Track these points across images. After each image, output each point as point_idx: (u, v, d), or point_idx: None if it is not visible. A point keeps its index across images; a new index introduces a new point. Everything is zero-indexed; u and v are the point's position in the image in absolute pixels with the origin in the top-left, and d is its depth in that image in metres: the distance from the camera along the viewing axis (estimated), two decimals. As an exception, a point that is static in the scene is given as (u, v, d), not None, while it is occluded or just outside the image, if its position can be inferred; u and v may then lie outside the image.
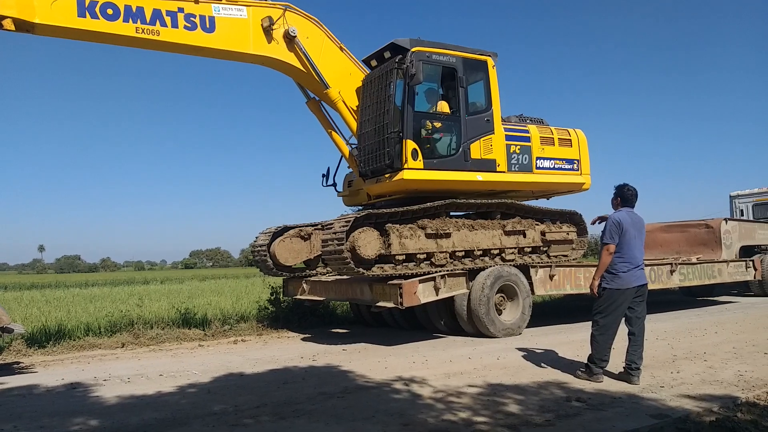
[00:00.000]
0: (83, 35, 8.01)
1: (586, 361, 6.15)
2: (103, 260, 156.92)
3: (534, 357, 7.50)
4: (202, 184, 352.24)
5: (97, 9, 7.82)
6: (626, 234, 5.94)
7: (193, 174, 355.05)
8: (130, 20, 8.03)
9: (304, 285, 10.69)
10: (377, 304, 8.81)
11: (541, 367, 6.84)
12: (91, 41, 8.28)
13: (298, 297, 10.91)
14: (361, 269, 8.40)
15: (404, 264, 8.81)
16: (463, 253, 9.36)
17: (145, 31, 8.13)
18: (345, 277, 9.91)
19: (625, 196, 6.22)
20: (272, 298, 12.15)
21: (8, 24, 7.44)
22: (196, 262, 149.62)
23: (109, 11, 7.90)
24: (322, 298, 10.47)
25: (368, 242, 8.45)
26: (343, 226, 8.34)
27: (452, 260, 9.26)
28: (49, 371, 7.74)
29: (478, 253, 9.50)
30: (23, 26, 7.59)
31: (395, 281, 8.43)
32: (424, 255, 8.95)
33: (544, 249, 10.36)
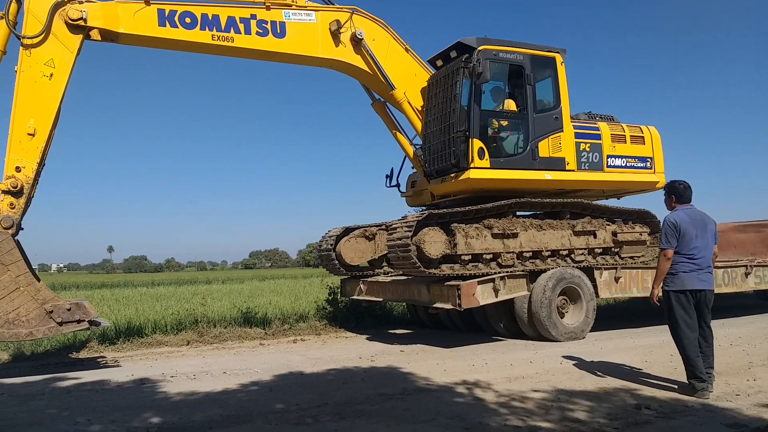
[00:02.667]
0: (163, 43, 8.45)
1: (687, 380, 5.61)
2: (167, 260, 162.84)
3: (599, 362, 7.31)
4: (261, 185, 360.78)
5: (176, 18, 8.24)
6: (686, 234, 5.54)
7: (252, 175, 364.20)
8: (207, 28, 8.41)
9: (362, 285, 10.78)
10: (435, 306, 8.79)
11: (607, 372, 6.63)
12: (170, 49, 8.72)
13: (356, 297, 11.01)
14: (429, 269, 8.42)
15: (472, 264, 8.78)
16: (530, 253, 9.23)
17: (220, 38, 8.48)
18: (402, 277, 10.00)
19: (677, 192, 5.80)
20: (330, 298, 12.33)
21: (95, 34, 7.96)
22: (256, 262, 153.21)
23: (187, 20, 8.30)
24: (379, 299, 10.52)
25: (434, 242, 8.46)
26: (410, 226, 8.39)
27: (519, 261, 9.15)
28: (120, 367, 8.04)
29: (546, 253, 9.35)
30: (108, 36, 8.10)
31: (453, 282, 8.39)
32: (491, 255, 8.89)
33: (616, 250, 10.06)
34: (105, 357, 8.95)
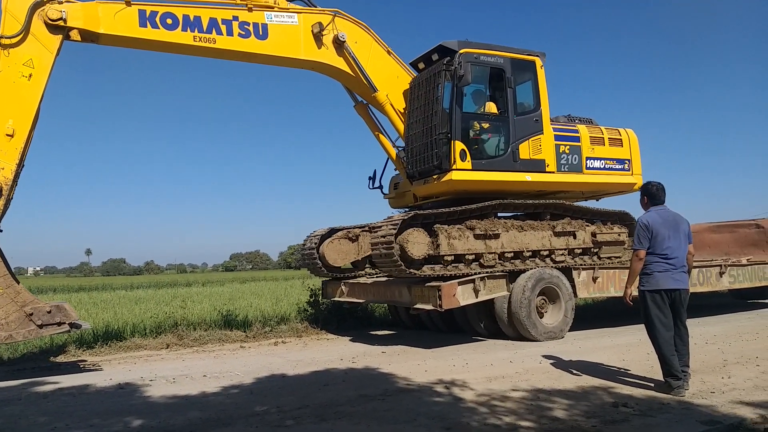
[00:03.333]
0: (144, 44, 8.39)
1: (663, 378, 5.69)
2: (147, 263, 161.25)
3: (577, 361, 7.38)
4: (240, 187, 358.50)
5: (157, 19, 8.20)
6: (658, 235, 5.60)
7: (232, 176, 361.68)
8: (188, 29, 8.38)
9: (343, 287, 10.80)
10: (416, 306, 8.85)
11: (586, 371, 6.70)
12: (151, 50, 8.66)
13: (337, 299, 11.03)
14: (411, 269, 8.48)
15: (453, 265, 8.86)
16: (512, 254, 9.34)
17: (202, 39, 8.46)
18: (384, 279, 10.05)
19: (650, 193, 5.88)
20: (311, 300, 12.32)
21: (75, 35, 7.89)
22: (236, 264, 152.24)
23: (169, 21, 8.26)
24: (360, 300, 10.54)
25: (417, 242, 8.52)
26: (393, 227, 8.45)
27: (501, 261, 9.25)
28: (99, 371, 7.95)
29: (528, 254, 9.46)
30: (89, 37, 8.03)
31: (434, 283, 8.46)
32: (473, 256, 8.98)
33: (595, 250, 10.24)
34: (83, 361, 8.84)
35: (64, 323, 7.26)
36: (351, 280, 10.77)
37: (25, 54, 7.49)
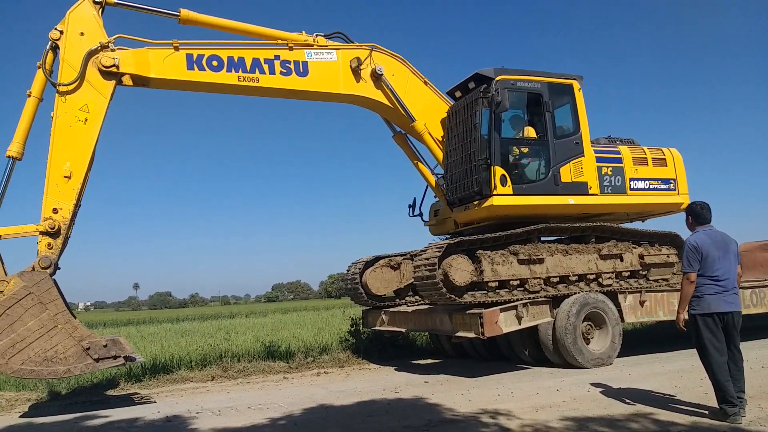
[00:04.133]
0: (192, 86, 8.80)
1: (718, 405, 5.50)
2: (192, 296, 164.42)
3: (627, 388, 7.19)
4: (282, 219, 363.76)
5: (203, 62, 8.58)
6: (708, 256, 5.45)
7: (274, 209, 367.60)
8: (233, 70, 8.74)
9: (384, 316, 10.78)
10: (458, 335, 8.76)
11: (636, 399, 6.50)
12: (198, 91, 9.07)
13: (378, 328, 11.01)
14: (455, 296, 8.45)
15: (497, 291, 8.78)
16: (557, 278, 9.21)
17: (246, 78, 8.79)
18: (424, 307, 10.02)
19: (695, 213, 5.75)
20: (352, 329, 12.32)
21: (127, 80, 8.34)
22: (278, 295, 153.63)
23: (214, 63, 8.64)
24: (401, 329, 10.49)
25: (460, 269, 8.49)
26: (435, 253, 8.46)
27: (546, 286, 9.13)
28: (147, 404, 8.10)
29: (573, 278, 9.31)
30: (140, 81, 8.46)
31: (476, 310, 8.38)
32: (517, 281, 8.89)
33: (644, 273, 9.99)
34: (133, 394, 9.05)
35: (120, 356, 7.50)
36: (391, 309, 10.76)
37: (81, 100, 7.94)
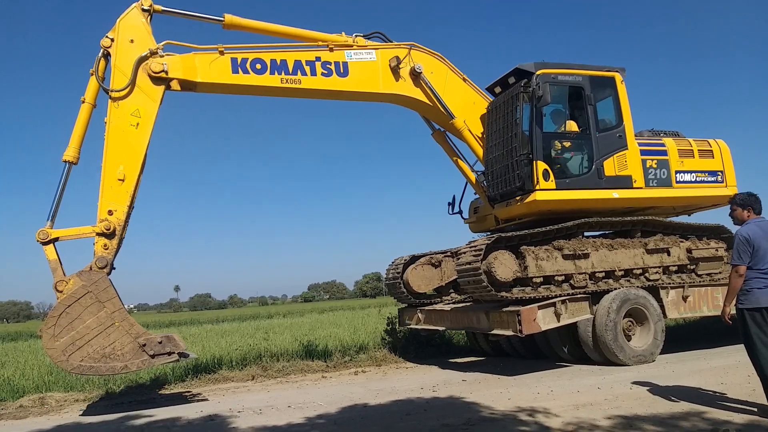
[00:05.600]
0: (237, 89, 9.02)
1: (766, 402, 5.39)
2: (230, 297, 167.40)
3: (671, 386, 7.03)
4: (317, 219, 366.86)
5: (248, 65, 8.78)
6: (760, 249, 5.29)
7: (309, 208, 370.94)
8: (276, 72, 8.92)
9: (419, 314, 10.80)
10: (494, 332, 8.71)
11: (681, 396, 6.36)
12: (243, 94, 9.30)
13: (414, 326, 11.03)
14: (499, 293, 8.44)
15: (544, 287, 8.74)
16: (603, 273, 9.10)
17: (288, 81, 8.97)
18: (461, 305, 10.00)
19: (746, 204, 5.56)
20: (389, 328, 12.37)
21: (175, 85, 8.57)
22: (314, 295, 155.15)
23: (258, 66, 8.83)
24: (438, 328, 10.48)
25: (504, 265, 8.47)
26: (479, 249, 8.46)
27: (592, 282, 9.04)
28: (190, 404, 8.24)
29: (620, 273, 9.18)
30: (187, 86, 8.70)
31: (513, 308, 8.34)
32: (563, 277, 8.82)
33: (692, 267, 9.78)
34: (176, 394, 9.25)
35: (174, 353, 7.73)
36: (428, 307, 10.78)
37: (132, 105, 8.22)
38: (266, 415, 6.97)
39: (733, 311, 5.58)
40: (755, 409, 5.51)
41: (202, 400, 8.57)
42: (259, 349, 11.83)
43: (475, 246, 8.69)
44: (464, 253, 8.79)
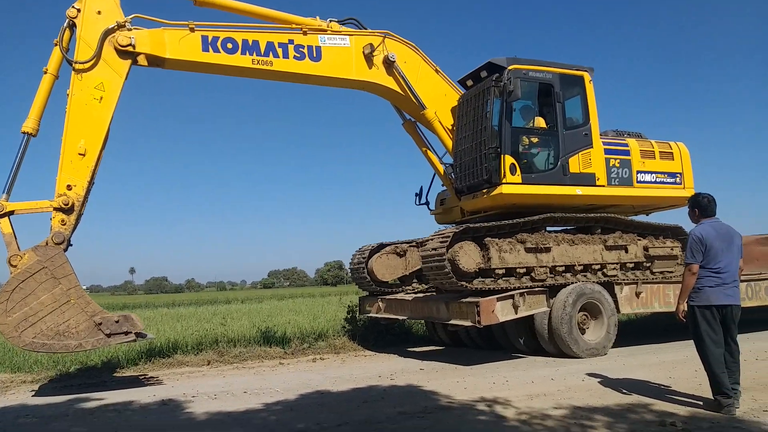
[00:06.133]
0: (206, 68, 8.83)
1: (712, 396, 5.54)
2: (188, 281, 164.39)
3: (622, 378, 7.22)
4: (279, 204, 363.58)
5: (218, 44, 8.62)
6: (711, 249, 5.45)
7: (271, 194, 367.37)
8: (247, 53, 8.77)
9: (380, 303, 10.86)
10: (453, 322, 8.83)
11: (630, 389, 6.53)
12: (213, 73, 9.11)
13: (374, 315, 11.09)
14: (461, 282, 8.54)
15: (504, 278, 8.89)
16: (563, 267, 9.31)
17: (260, 62, 8.83)
18: (422, 295, 10.11)
19: (702, 205, 5.72)
20: (349, 316, 12.40)
21: (142, 60, 8.35)
22: (274, 281, 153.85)
23: (229, 45, 8.67)
24: (398, 317, 10.56)
25: (468, 255, 8.58)
26: (445, 238, 8.54)
27: (552, 275, 9.24)
28: (143, 388, 8.11)
29: (579, 268, 9.41)
30: (155, 61, 8.48)
31: (472, 299, 8.47)
32: (524, 269, 8.99)
33: (648, 265, 10.11)
34: (128, 377, 9.08)
35: (131, 333, 7.59)
36: (388, 297, 10.83)
37: (97, 78, 7.97)
38: (222, 401, 6.90)
39: (686, 308, 5.74)
40: (701, 403, 5.71)
41: (156, 384, 8.43)
42: (216, 334, 11.66)
43: (441, 234, 8.76)
44: (431, 240, 8.85)
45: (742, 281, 10.51)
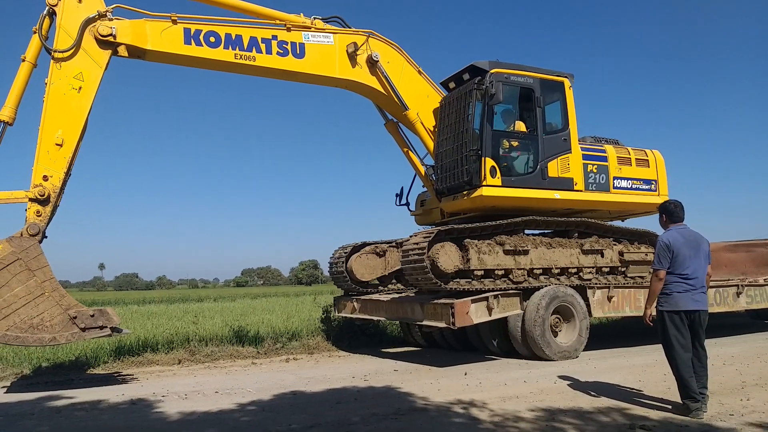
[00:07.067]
0: (188, 61, 8.73)
1: (681, 400, 5.61)
2: (159, 278, 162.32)
3: (593, 381, 7.31)
4: (252, 202, 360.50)
5: (201, 37, 8.54)
6: (679, 255, 5.53)
7: (245, 192, 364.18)
8: (230, 47, 8.71)
9: (355, 304, 10.86)
10: (427, 324, 8.87)
11: (601, 392, 6.62)
12: (194, 66, 9.00)
13: (349, 315, 11.09)
14: (440, 283, 8.59)
15: (482, 280, 8.97)
16: (540, 270, 9.43)
17: (242, 57, 8.77)
18: (397, 296, 10.15)
19: (669, 211, 5.83)
20: (323, 316, 12.35)
21: (123, 51, 8.25)
22: (248, 280, 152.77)
23: (212, 39, 8.60)
24: (372, 317, 10.57)
25: (448, 255, 8.63)
26: (425, 238, 8.59)
27: (530, 277, 9.36)
28: (111, 386, 7.98)
29: (556, 271, 9.55)
30: (135, 53, 8.37)
31: (447, 300, 8.53)
32: (502, 271, 9.08)
33: (623, 269, 10.29)
34: (96, 376, 8.91)
35: (106, 327, 7.47)
36: (363, 297, 10.82)
37: (76, 67, 7.84)
38: (192, 400, 6.81)
39: (654, 312, 5.84)
40: (670, 406, 5.80)
41: (125, 383, 8.29)
42: (188, 332, 11.48)
43: (422, 234, 8.81)
44: (412, 238, 8.89)
45: (711, 287, 10.80)
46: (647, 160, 10.87)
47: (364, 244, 11.18)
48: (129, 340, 10.68)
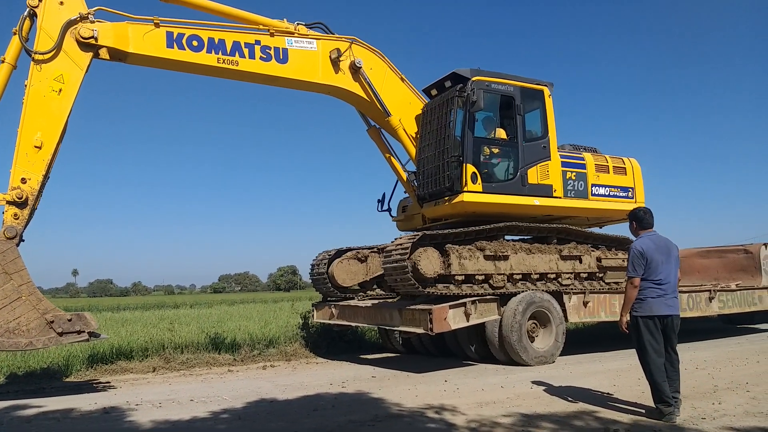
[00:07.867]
0: (170, 64, 8.69)
1: (654, 404, 5.69)
2: (134, 284, 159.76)
3: (568, 386, 7.36)
4: (229, 208, 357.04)
5: (183, 41, 8.52)
6: (652, 261, 5.62)
7: (222, 198, 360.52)
8: (213, 51, 8.70)
9: (333, 310, 10.86)
10: (405, 330, 8.92)
11: (577, 396, 6.69)
12: (176, 70, 8.96)
13: (327, 321, 11.08)
14: (424, 288, 8.65)
15: (464, 285, 9.05)
16: (520, 276, 9.56)
17: (225, 61, 8.77)
18: (375, 301, 10.20)
19: (639, 218, 5.96)
20: (301, 322, 12.29)
21: (104, 53, 8.21)
22: (225, 286, 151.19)
23: (195, 43, 8.58)
24: (350, 324, 10.58)
25: (429, 260, 8.70)
26: (410, 239, 8.67)
27: (510, 283, 9.47)
28: (83, 395, 7.83)
29: (535, 276, 9.68)
30: (117, 56, 8.33)
31: (425, 306, 8.59)
32: (483, 276, 9.18)
33: (600, 275, 10.48)
34: (68, 384, 8.75)
35: (84, 332, 7.36)
36: (341, 303, 10.82)
37: (57, 70, 7.77)
38: (166, 409, 6.71)
39: (629, 318, 5.93)
40: (643, 411, 5.87)
41: (98, 391, 8.15)
42: (163, 339, 11.29)
43: (404, 239, 8.87)
44: (392, 247, 8.93)
45: (683, 292, 11.03)
46: (624, 167, 11.11)
47: (348, 249, 11.20)
48: (103, 347, 10.48)
